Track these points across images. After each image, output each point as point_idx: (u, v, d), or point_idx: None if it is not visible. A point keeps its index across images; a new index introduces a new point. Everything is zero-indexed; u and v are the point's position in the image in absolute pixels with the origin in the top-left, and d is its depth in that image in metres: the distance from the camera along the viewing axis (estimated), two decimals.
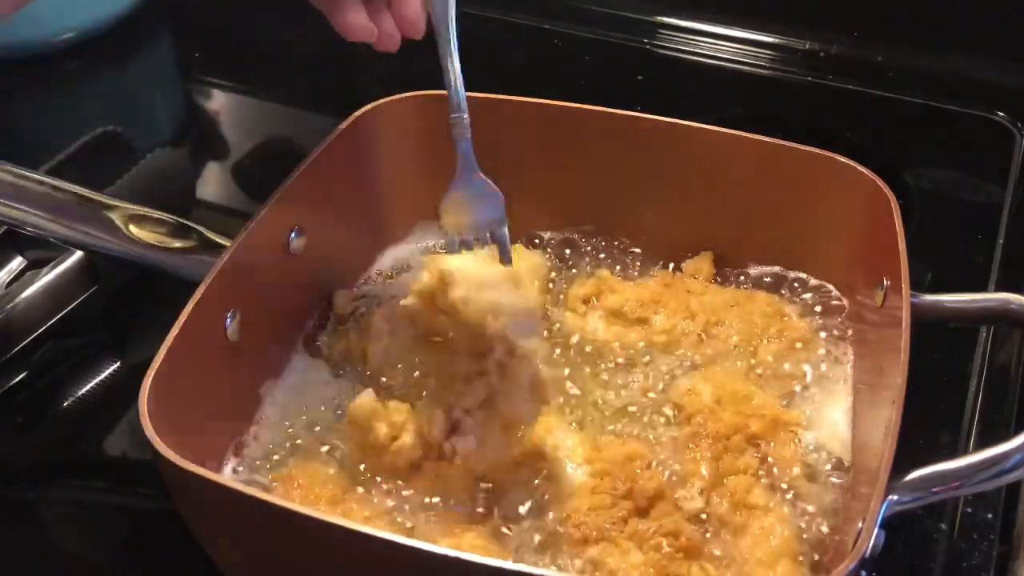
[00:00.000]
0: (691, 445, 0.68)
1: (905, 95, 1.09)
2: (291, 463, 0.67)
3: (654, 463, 0.67)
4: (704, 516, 0.64)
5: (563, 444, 0.68)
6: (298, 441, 0.69)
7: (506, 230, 0.69)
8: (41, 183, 0.73)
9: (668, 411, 0.71)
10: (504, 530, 0.63)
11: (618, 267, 0.82)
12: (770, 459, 0.67)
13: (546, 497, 0.65)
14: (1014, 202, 0.96)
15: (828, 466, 0.67)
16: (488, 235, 0.68)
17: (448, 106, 0.68)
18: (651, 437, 0.69)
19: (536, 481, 0.66)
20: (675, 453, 0.68)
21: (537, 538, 0.63)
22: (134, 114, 1.01)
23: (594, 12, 1.21)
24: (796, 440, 0.68)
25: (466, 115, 0.68)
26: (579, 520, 0.63)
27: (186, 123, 1.09)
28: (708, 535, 0.63)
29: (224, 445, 0.68)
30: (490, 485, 0.66)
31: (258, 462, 0.68)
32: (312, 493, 0.65)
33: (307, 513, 0.53)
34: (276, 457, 0.68)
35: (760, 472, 0.66)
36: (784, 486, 0.66)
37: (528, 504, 0.65)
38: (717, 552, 0.62)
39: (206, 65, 1.13)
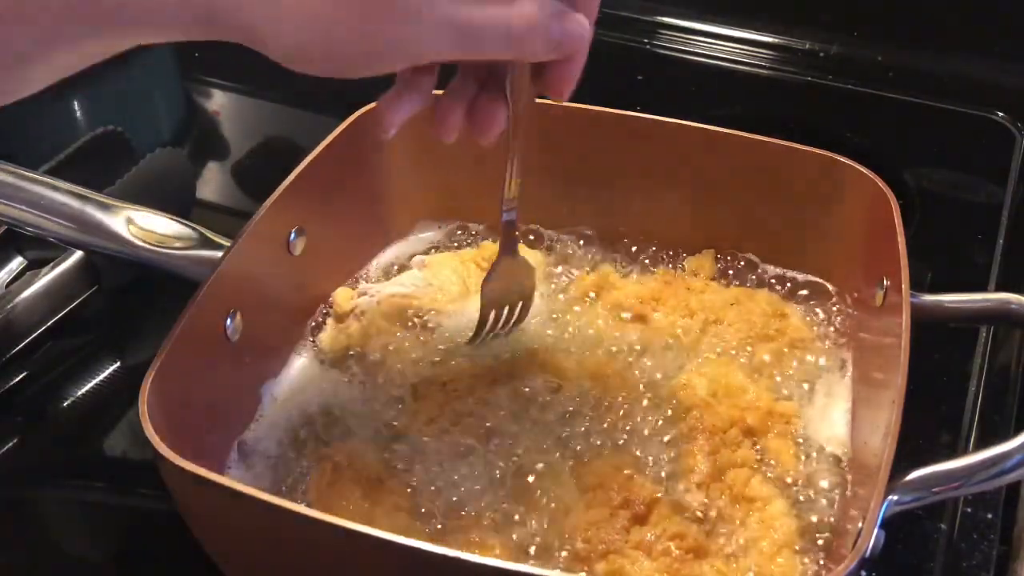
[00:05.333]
0: (688, 440, 0.67)
1: (905, 95, 1.09)
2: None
3: (647, 467, 0.66)
4: (703, 511, 0.64)
5: (546, 463, 0.66)
6: (298, 440, 0.69)
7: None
8: (41, 183, 0.73)
9: (663, 407, 0.70)
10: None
11: (619, 264, 0.82)
12: (768, 454, 0.67)
13: (542, 519, 0.63)
14: (1014, 202, 0.95)
15: (827, 465, 0.67)
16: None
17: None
18: (644, 434, 0.68)
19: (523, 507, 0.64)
20: (669, 450, 0.67)
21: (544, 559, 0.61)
22: (134, 114, 1.01)
23: None
24: (792, 433, 0.68)
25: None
26: (586, 536, 0.61)
27: (186, 123, 1.09)
28: (709, 530, 0.63)
29: (224, 445, 0.68)
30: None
31: (258, 461, 0.68)
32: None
33: (307, 513, 0.53)
34: (276, 456, 0.68)
35: (758, 465, 0.66)
36: (784, 479, 0.66)
37: (526, 529, 0.63)
38: (721, 545, 0.62)
39: (206, 65, 1.13)
